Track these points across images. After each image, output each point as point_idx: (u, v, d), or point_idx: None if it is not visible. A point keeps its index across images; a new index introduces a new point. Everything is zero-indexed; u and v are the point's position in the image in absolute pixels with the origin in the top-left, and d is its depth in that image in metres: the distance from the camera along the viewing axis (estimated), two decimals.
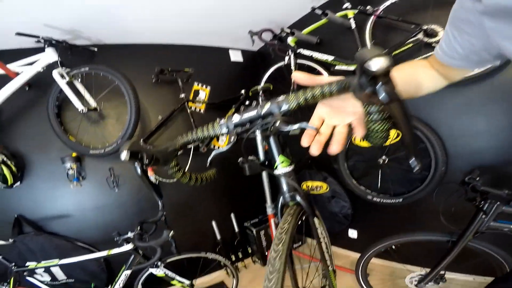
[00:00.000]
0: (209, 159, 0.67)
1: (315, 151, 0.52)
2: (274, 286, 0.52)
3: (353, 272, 1.98)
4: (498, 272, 1.43)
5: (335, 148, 0.51)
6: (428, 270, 1.51)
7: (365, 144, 2.06)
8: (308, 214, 0.75)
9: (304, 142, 0.53)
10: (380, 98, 0.35)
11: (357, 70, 0.37)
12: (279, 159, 0.72)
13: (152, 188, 0.64)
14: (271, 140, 0.73)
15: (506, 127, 1.51)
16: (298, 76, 0.52)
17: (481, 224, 1.24)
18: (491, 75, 1.46)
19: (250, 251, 2.75)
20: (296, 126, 0.54)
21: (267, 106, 0.57)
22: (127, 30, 2.17)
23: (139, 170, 0.58)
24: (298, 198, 0.72)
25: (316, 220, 0.78)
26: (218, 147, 2.71)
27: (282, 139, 0.75)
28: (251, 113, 0.59)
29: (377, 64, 0.32)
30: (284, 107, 0.55)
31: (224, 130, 0.62)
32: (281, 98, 0.56)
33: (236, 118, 0.61)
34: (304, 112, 0.61)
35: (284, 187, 0.73)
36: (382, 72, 0.33)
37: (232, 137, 0.60)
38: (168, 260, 1.89)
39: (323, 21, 1.95)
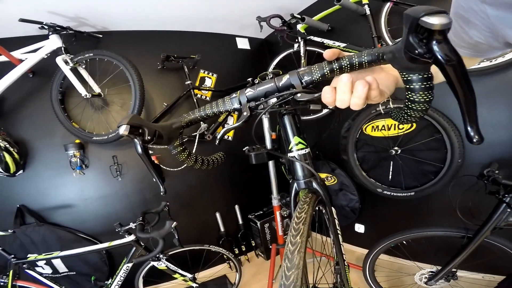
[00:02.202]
0: (219, 136, 0.61)
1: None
2: (292, 285, 0.44)
3: (358, 268, 1.93)
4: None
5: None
6: (438, 267, 1.45)
7: (376, 133, 1.98)
8: (326, 203, 0.69)
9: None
10: (438, 58, 0.30)
11: (406, 29, 0.32)
12: (293, 140, 0.66)
13: (153, 169, 0.57)
14: (285, 119, 0.66)
15: None
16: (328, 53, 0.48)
17: (501, 219, 1.18)
18: None
19: (253, 244, 2.71)
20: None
21: (285, 78, 0.52)
22: (133, 17, 2.11)
23: (139, 148, 0.51)
24: (314, 184, 0.66)
25: (334, 210, 0.72)
26: (228, 137, 2.66)
27: (299, 120, 0.68)
28: (267, 85, 0.53)
29: (437, 19, 0.27)
30: (307, 78, 0.50)
31: (236, 105, 0.56)
32: (303, 68, 0.50)
33: (250, 91, 0.55)
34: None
35: (299, 172, 0.66)
36: (442, 28, 0.28)
37: (245, 112, 0.54)
38: (170, 253, 1.85)
39: (335, 7, 1.87)
